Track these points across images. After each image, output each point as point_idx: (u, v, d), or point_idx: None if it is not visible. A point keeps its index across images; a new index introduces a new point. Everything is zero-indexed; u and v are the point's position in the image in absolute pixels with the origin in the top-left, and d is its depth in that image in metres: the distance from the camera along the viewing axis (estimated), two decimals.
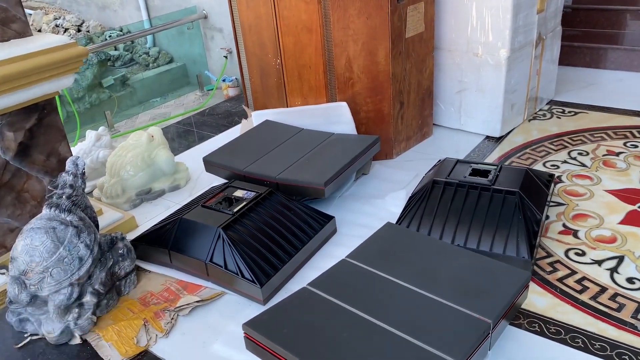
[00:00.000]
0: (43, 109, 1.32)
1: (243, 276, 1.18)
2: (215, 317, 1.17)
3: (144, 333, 1.13)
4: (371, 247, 1.12)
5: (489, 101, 1.80)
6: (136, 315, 1.18)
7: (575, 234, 1.32)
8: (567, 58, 2.38)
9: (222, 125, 2.28)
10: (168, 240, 1.30)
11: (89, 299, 1.15)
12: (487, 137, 1.86)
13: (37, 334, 1.16)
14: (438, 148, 1.83)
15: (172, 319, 1.16)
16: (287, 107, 1.83)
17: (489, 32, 1.71)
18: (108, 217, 1.50)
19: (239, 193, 1.38)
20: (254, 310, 1.17)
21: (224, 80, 3.07)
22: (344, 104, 1.66)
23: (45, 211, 1.15)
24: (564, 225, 1.36)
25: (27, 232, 1.12)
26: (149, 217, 1.59)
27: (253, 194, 1.37)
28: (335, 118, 1.68)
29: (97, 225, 1.27)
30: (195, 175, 1.79)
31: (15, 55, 1.19)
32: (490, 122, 1.83)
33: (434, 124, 1.97)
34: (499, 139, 1.84)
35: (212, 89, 3.39)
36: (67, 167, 1.23)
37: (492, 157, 1.73)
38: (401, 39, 1.62)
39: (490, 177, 1.33)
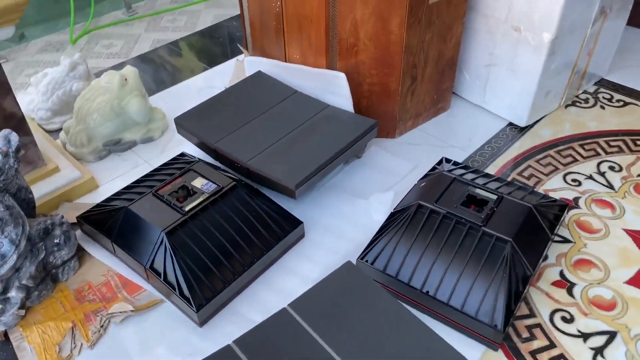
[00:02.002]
0: None
1: (181, 293, 1.06)
2: (147, 330, 1.08)
3: (69, 339, 1.06)
4: (320, 295, 0.97)
5: (520, 85, 1.51)
6: (67, 313, 1.10)
7: (570, 289, 1.14)
8: (634, 17, 1.96)
9: (218, 55, 2.05)
10: (112, 230, 1.18)
11: (14, 294, 1.07)
12: (511, 123, 1.60)
13: None
14: (450, 131, 1.58)
15: (102, 326, 1.08)
16: (285, 57, 1.58)
17: (535, 5, 1.38)
18: (65, 175, 1.37)
19: (198, 182, 1.22)
20: (189, 329, 1.08)
21: None
22: (342, 75, 1.41)
23: None
24: (561, 273, 1.17)
25: None
26: (114, 175, 1.46)
27: (214, 187, 1.21)
28: (332, 88, 1.45)
29: (33, 207, 1.15)
30: (172, 124, 1.62)
31: None
32: (516, 108, 1.56)
33: (454, 93, 1.70)
34: (523, 129, 1.58)
35: None
36: None
37: (509, 155, 1.49)
38: (422, 4, 1.32)
39: (485, 211, 1.13)
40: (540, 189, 1.37)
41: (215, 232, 1.14)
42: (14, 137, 1.08)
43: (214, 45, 2.14)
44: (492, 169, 1.44)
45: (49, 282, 1.14)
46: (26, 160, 1.31)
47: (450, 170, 1.28)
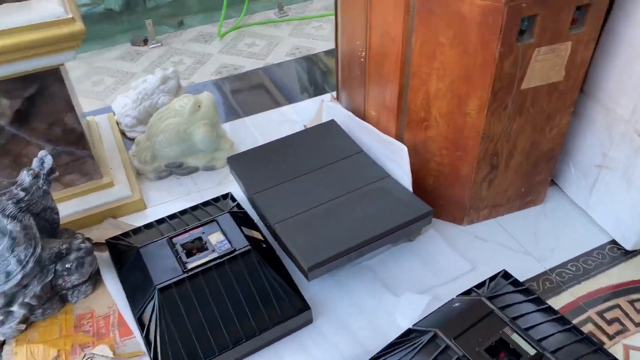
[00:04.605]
0: (45, 79, 1.19)
1: (155, 356, 1.01)
2: None
3: None
4: None
5: (634, 199, 1.20)
6: (59, 340, 1.11)
7: None
8: None
9: (317, 86, 1.96)
10: (122, 266, 1.17)
11: (17, 310, 1.10)
12: (614, 242, 1.29)
13: None
14: (533, 232, 1.32)
15: None
16: (364, 109, 1.44)
17: None
18: (116, 192, 1.40)
19: (214, 238, 1.16)
20: None
21: None
22: (405, 148, 1.24)
23: None
24: None
25: None
26: (165, 199, 1.46)
27: (227, 247, 1.13)
28: (395, 157, 1.29)
29: (56, 228, 1.18)
30: None
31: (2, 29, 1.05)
32: (625, 226, 1.25)
33: (555, 184, 1.42)
34: (628, 253, 1.26)
35: None
36: (33, 164, 1.12)
37: (597, 283, 1.19)
38: (511, 90, 1.10)
39: None
40: (619, 343, 1.08)
41: (210, 299, 1.06)
42: (48, 160, 1.11)
43: (320, 74, 2.07)
44: (565, 298, 1.17)
45: (56, 302, 1.16)
46: (82, 172, 1.36)
47: (497, 295, 1.05)
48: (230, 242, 1.14)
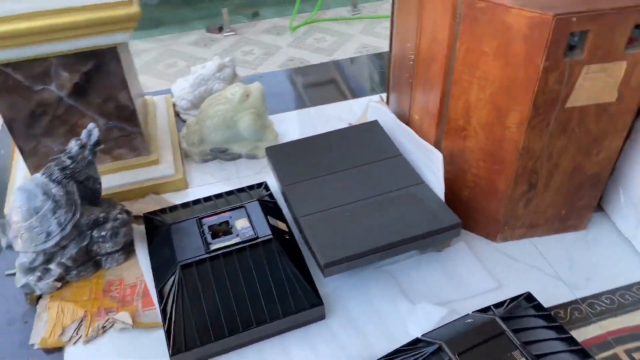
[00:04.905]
0: (102, 57, 1.26)
1: (168, 329, 1.06)
2: (136, 348, 1.11)
3: (74, 327, 1.14)
4: None
5: None
6: (87, 302, 1.19)
7: None
8: None
9: (376, 83, 1.95)
10: (153, 240, 1.23)
11: (54, 268, 1.19)
12: None
13: None
14: (569, 257, 1.25)
15: (103, 327, 1.14)
16: (409, 112, 1.43)
17: None
18: (160, 170, 1.46)
19: (240, 223, 1.19)
20: None
21: None
22: (440, 155, 1.21)
23: (39, 174, 1.16)
24: None
25: (18, 189, 1.15)
26: (207, 181, 1.52)
27: (250, 234, 1.16)
28: (430, 164, 1.26)
29: (97, 197, 1.25)
30: None
31: (58, 8, 1.13)
32: None
33: (603, 210, 1.35)
34: None
35: None
36: (81, 135, 1.19)
37: (632, 320, 1.12)
38: (554, 107, 1.05)
39: None
40: None
41: (227, 281, 1.10)
42: (96, 132, 1.18)
43: (373, 74, 2.06)
44: (593, 330, 1.10)
45: (90, 266, 1.24)
46: (131, 147, 1.43)
47: (514, 316, 1.02)
48: (254, 229, 1.17)
